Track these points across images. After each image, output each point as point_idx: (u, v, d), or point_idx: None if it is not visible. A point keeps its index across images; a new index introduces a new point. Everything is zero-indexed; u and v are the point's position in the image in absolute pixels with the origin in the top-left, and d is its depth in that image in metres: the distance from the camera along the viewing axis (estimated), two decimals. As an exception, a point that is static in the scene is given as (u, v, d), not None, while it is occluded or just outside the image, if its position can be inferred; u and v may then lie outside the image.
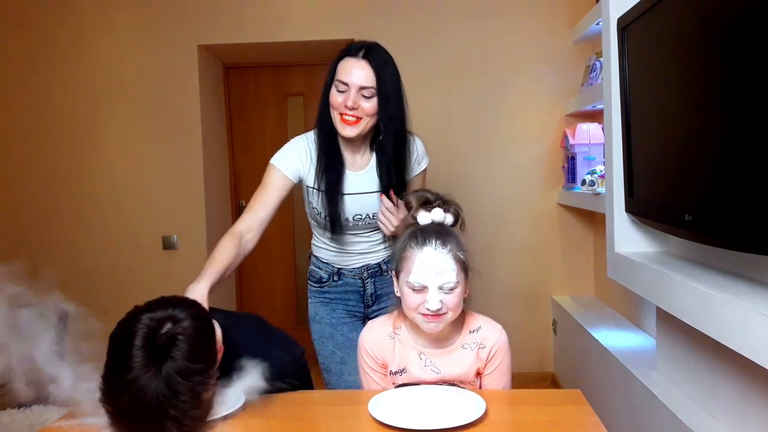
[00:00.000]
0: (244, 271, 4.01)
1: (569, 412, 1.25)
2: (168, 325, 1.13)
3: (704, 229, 1.32)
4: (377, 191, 1.73)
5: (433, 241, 1.33)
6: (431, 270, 1.31)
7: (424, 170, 1.86)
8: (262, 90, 3.94)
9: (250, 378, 1.33)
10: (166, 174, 3.51)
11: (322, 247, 1.88)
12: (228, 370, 1.32)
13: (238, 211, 3.97)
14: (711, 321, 1.28)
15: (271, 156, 1.79)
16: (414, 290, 1.33)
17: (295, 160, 1.74)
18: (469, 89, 3.38)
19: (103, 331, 1.18)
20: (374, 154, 1.75)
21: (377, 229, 1.79)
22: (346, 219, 1.75)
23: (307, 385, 1.54)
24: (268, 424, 1.22)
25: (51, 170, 3.55)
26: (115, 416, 1.12)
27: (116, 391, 1.11)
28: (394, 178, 1.71)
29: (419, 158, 1.82)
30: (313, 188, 1.74)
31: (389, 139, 1.68)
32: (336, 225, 1.74)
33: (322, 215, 1.76)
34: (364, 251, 1.86)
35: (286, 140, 1.88)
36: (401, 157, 1.73)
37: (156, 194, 3.52)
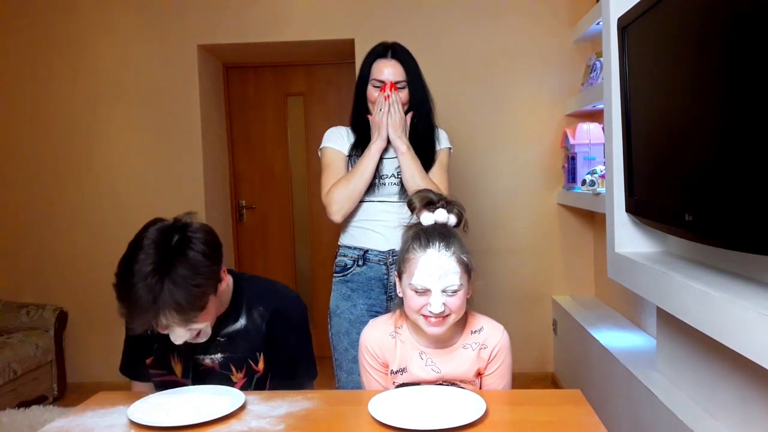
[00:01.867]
0: (244, 272, 4.01)
1: (569, 412, 1.24)
2: (184, 221, 1.33)
3: (704, 229, 1.32)
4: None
5: (437, 243, 1.32)
6: (434, 273, 1.30)
7: (446, 151, 2.03)
8: (262, 90, 3.95)
9: (257, 312, 1.48)
10: (166, 174, 3.51)
11: (353, 224, 1.96)
12: (238, 308, 1.47)
13: (238, 211, 3.97)
14: (711, 321, 1.28)
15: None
16: (417, 292, 1.33)
17: (338, 137, 2.01)
18: (469, 89, 3.38)
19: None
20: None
21: (402, 200, 1.92)
22: (376, 177, 1.94)
23: (306, 331, 1.57)
24: (267, 424, 1.22)
25: (51, 170, 3.55)
26: (121, 286, 1.22)
27: (128, 260, 1.23)
28: (422, 145, 1.96)
29: (440, 138, 2.04)
30: (352, 155, 1.99)
31: (421, 117, 1.98)
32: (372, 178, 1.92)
33: None
34: (391, 224, 1.87)
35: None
36: (430, 131, 2.00)
37: (156, 194, 3.52)
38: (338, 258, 1.99)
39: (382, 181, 1.94)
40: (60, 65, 3.50)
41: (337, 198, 1.89)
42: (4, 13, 3.51)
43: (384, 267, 1.92)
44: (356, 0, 3.38)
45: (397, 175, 1.94)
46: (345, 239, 2.00)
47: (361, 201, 1.94)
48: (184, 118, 3.48)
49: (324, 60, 3.88)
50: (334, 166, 1.96)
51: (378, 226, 1.93)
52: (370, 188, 1.93)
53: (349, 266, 1.95)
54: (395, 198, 1.94)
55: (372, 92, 1.93)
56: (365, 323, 1.86)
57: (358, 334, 1.86)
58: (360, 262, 1.93)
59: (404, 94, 1.93)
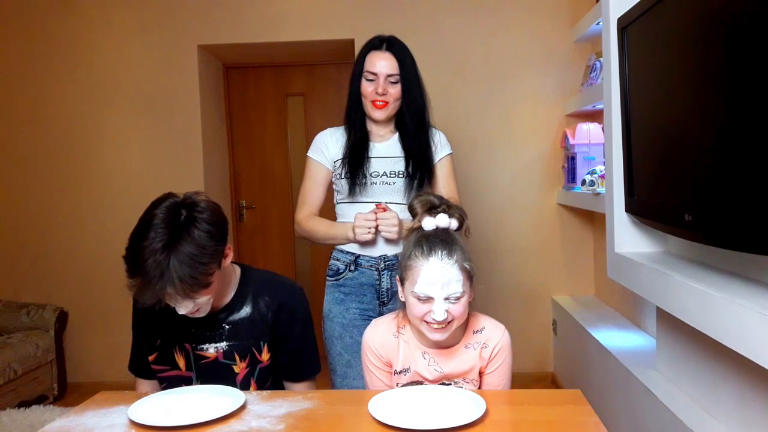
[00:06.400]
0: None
1: (569, 412, 1.25)
2: (193, 199, 1.38)
3: (704, 229, 1.32)
4: (400, 156, 1.92)
5: (439, 252, 1.31)
6: (437, 281, 1.30)
7: (449, 158, 1.99)
8: (262, 90, 3.95)
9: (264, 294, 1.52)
10: (165, 174, 3.51)
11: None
12: (244, 297, 1.51)
13: (238, 211, 3.97)
14: (711, 321, 1.28)
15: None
16: (420, 300, 1.32)
17: (323, 146, 1.97)
18: (469, 89, 3.38)
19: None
20: (397, 131, 1.96)
21: (395, 201, 1.89)
22: (364, 176, 1.89)
23: (310, 325, 1.61)
24: (267, 423, 1.22)
25: (51, 170, 3.55)
26: (131, 261, 1.29)
27: (138, 236, 1.31)
28: (416, 144, 1.92)
29: (441, 143, 1.98)
30: (341, 159, 1.93)
31: (413, 113, 1.91)
32: (356, 177, 1.89)
33: (343, 174, 1.91)
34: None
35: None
36: (422, 128, 1.93)
37: (155, 194, 3.44)
38: (331, 261, 1.96)
39: (371, 180, 1.89)
40: (60, 65, 3.50)
41: (300, 231, 1.97)
42: (4, 13, 3.51)
43: (376, 272, 1.88)
44: (356, 0, 3.38)
45: (390, 174, 1.89)
46: None
47: (351, 202, 1.90)
48: (184, 118, 3.48)
49: (324, 60, 3.88)
50: (310, 181, 1.97)
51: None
52: (359, 188, 1.89)
53: (341, 271, 1.91)
54: (386, 200, 1.88)
55: (365, 86, 1.87)
56: (358, 327, 1.86)
57: (351, 338, 1.86)
58: (352, 267, 1.90)
59: (396, 90, 1.87)
